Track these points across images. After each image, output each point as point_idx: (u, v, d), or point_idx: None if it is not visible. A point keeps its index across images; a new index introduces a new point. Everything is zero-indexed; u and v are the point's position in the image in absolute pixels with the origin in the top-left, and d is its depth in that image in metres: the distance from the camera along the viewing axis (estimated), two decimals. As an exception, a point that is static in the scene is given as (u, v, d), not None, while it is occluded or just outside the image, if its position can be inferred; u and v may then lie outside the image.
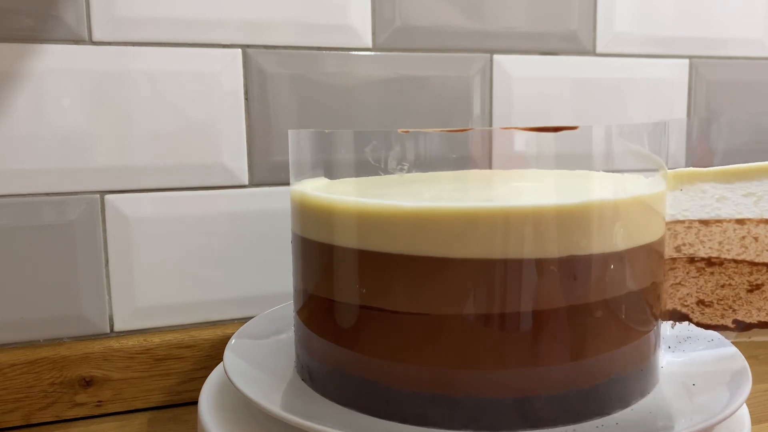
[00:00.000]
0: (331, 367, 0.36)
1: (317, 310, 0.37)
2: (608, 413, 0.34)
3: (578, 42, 0.60)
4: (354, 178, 0.39)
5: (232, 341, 0.42)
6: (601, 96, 0.61)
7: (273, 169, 0.53)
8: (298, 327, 0.40)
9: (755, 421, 0.45)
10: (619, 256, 0.34)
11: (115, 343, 0.49)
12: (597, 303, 0.33)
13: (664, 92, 0.63)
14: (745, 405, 0.38)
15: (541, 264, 0.32)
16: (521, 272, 0.32)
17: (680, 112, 0.64)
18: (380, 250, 0.33)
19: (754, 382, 0.53)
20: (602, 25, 0.60)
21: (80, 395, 0.49)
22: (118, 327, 0.50)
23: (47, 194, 0.48)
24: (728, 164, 0.39)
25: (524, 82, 0.59)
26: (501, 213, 0.32)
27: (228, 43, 0.50)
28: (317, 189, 0.39)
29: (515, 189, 0.40)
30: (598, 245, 0.33)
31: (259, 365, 0.40)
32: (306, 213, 0.38)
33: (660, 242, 0.37)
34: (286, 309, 0.49)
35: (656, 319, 0.37)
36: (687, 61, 0.64)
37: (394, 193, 0.36)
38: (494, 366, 0.32)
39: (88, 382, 0.49)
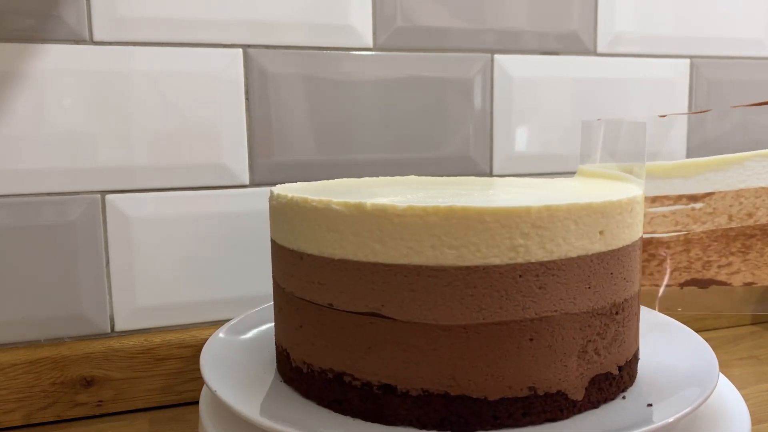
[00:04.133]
0: (309, 366, 0.36)
1: (290, 309, 0.38)
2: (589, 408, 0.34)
3: (579, 42, 0.60)
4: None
5: (209, 344, 0.42)
6: (602, 96, 0.61)
7: (274, 169, 0.53)
8: (277, 326, 0.40)
9: (755, 421, 0.45)
10: (585, 262, 0.33)
11: (115, 343, 0.49)
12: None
13: (665, 92, 0.63)
14: (745, 405, 0.38)
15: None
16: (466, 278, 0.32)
17: (681, 111, 0.64)
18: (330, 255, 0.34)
19: (756, 382, 0.53)
20: (603, 25, 0.60)
21: (81, 395, 0.49)
22: (118, 327, 0.50)
23: (48, 194, 0.48)
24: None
25: (525, 82, 0.59)
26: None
27: (229, 43, 0.50)
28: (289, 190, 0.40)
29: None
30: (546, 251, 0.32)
31: (239, 368, 0.40)
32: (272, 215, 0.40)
33: (626, 249, 0.36)
34: (267, 310, 0.49)
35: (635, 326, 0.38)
36: (688, 60, 0.64)
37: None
38: (471, 367, 0.32)
39: (88, 382, 0.49)
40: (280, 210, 0.37)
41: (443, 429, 0.32)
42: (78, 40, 0.47)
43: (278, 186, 0.42)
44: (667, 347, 0.42)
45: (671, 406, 0.33)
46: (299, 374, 0.37)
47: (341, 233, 0.33)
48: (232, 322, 0.47)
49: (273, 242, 0.39)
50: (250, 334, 0.45)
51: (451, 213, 0.31)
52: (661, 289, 0.47)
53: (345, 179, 0.53)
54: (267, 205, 0.52)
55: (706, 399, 0.33)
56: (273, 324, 0.47)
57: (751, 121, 0.67)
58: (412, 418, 0.33)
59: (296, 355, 0.37)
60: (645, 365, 0.39)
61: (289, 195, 0.36)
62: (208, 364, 0.39)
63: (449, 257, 0.31)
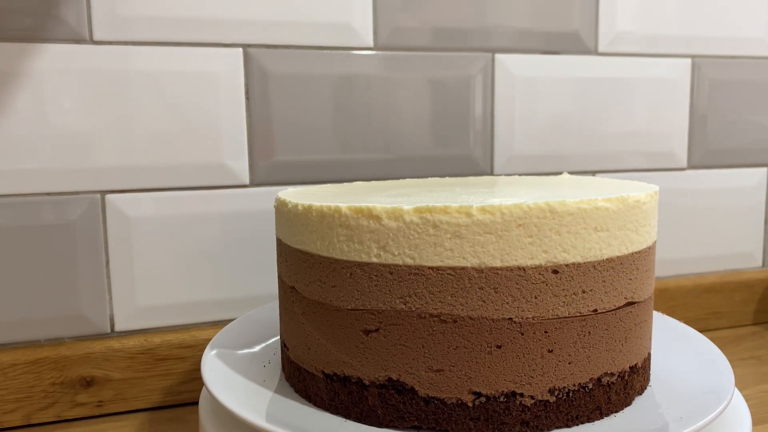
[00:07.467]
0: (316, 371, 0.36)
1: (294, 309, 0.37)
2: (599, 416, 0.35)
3: (580, 41, 0.60)
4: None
5: (212, 351, 0.42)
6: (603, 95, 0.61)
7: (274, 169, 0.52)
8: (282, 325, 0.40)
9: (756, 421, 0.45)
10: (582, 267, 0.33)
11: (115, 343, 0.49)
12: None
13: (666, 91, 0.63)
14: (746, 405, 0.38)
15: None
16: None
17: (682, 111, 0.64)
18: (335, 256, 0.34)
19: (757, 382, 0.53)
20: (604, 24, 0.60)
21: (81, 395, 0.49)
22: (118, 327, 0.50)
23: (48, 194, 0.48)
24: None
25: (526, 81, 0.58)
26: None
27: (229, 42, 0.50)
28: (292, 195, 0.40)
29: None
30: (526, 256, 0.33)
31: (241, 371, 0.40)
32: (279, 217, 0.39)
33: (631, 257, 0.36)
34: (267, 310, 0.49)
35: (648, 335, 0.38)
36: (689, 60, 0.63)
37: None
38: (488, 369, 0.32)
39: (88, 382, 0.49)
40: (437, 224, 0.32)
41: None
42: (78, 40, 0.47)
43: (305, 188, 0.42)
44: (679, 353, 0.42)
45: (691, 414, 0.33)
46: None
47: (609, 230, 0.34)
48: (232, 324, 0.47)
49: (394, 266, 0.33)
50: (251, 336, 0.45)
51: (655, 196, 0.37)
52: None
53: (357, 184, 0.53)
54: (267, 205, 0.53)
55: (725, 407, 0.33)
56: (267, 322, 0.47)
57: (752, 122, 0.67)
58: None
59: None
60: (657, 371, 0.40)
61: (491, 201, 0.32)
62: (210, 372, 0.38)
63: (653, 236, 0.37)
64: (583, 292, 0.33)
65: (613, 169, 0.62)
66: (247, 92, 0.51)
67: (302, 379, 0.37)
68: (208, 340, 0.50)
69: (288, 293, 0.38)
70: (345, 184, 0.48)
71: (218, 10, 0.50)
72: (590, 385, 0.34)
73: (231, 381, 0.38)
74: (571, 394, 0.33)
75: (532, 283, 0.32)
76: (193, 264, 0.51)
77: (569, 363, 0.33)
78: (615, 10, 0.60)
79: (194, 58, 0.50)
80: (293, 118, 0.52)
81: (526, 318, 0.32)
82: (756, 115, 0.67)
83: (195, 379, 0.51)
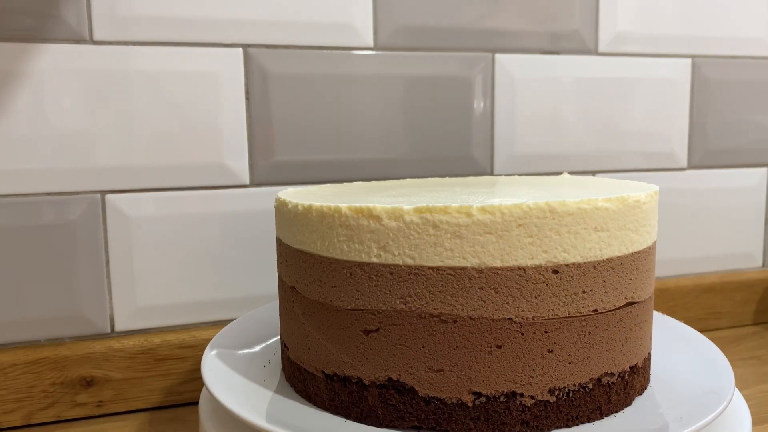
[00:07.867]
0: (317, 371, 0.36)
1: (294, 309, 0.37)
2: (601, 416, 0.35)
3: (580, 41, 0.60)
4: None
5: (212, 351, 0.41)
6: (604, 95, 0.61)
7: (274, 169, 0.52)
8: (282, 324, 0.40)
9: (757, 421, 0.45)
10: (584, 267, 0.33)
11: (115, 343, 0.49)
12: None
13: (666, 91, 0.63)
14: (746, 405, 0.38)
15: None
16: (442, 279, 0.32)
17: (682, 111, 0.64)
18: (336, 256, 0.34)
19: (757, 382, 0.53)
20: (604, 24, 0.60)
21: (81, 395, 0.49)
22: (118, 327, 0.50)
23: (48, 194, 0.48)
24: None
25: (526, 81, 0.58)
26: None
27: (229, 42, 0.50)
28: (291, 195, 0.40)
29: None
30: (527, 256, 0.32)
31: (241, 371, 0.40)
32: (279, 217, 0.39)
33: (631, 257, 0.35)
34: (267, 310, 0.49)
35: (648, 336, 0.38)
36: (689, 60, 0.63)
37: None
38: (486, 367, 0.32)
39: (88, 382, 0.49)
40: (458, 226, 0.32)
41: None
42: (78, 40, 0.47)
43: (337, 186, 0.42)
44: (679, 353, 0.42)
45: (691, 414, 0.33)
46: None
47: (609, 231, 0.34)
48: (232, 324, 0.46)
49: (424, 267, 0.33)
50: (251, 336, 0.45)
51: (655, 197, 0.37)
52: None
53: (352, 184, 0.52)
54: (267, 205, 0.53)
55: (725, 407, 0.33)
56: (267, 322, 0.47)
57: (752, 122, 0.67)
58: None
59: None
60: (657, 371, 0.40)
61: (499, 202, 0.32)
62: (210, 372, 0.38)
63: (653, 236, 0.37)
64: (583, 292, 0.33)
65: (613, 169, 0.62)
66: (247, 92, 0.51)
67: (302, 379, 0.37)
68: (208, 340, 0.50)
69: (288, 293, 0.38)
70: (345, 184, 0.48)
71: (218, 10, 0.50)
72: (590, 385, 0.34)
73: (231, 381, 0.38)
74: (571, 394, 0.33)
75: (532, 283, 0.32)
76: (193, 264, 0.51)
77: (569, 363, 0.33)
78: (615, 10, 0.60)
79: (194, 58, 0.50)
80: (293, 118, 0.52)
81: (526, 318, 0.32)
82: (756, 115, 0.67)
83: (195, 379, 0.51)
